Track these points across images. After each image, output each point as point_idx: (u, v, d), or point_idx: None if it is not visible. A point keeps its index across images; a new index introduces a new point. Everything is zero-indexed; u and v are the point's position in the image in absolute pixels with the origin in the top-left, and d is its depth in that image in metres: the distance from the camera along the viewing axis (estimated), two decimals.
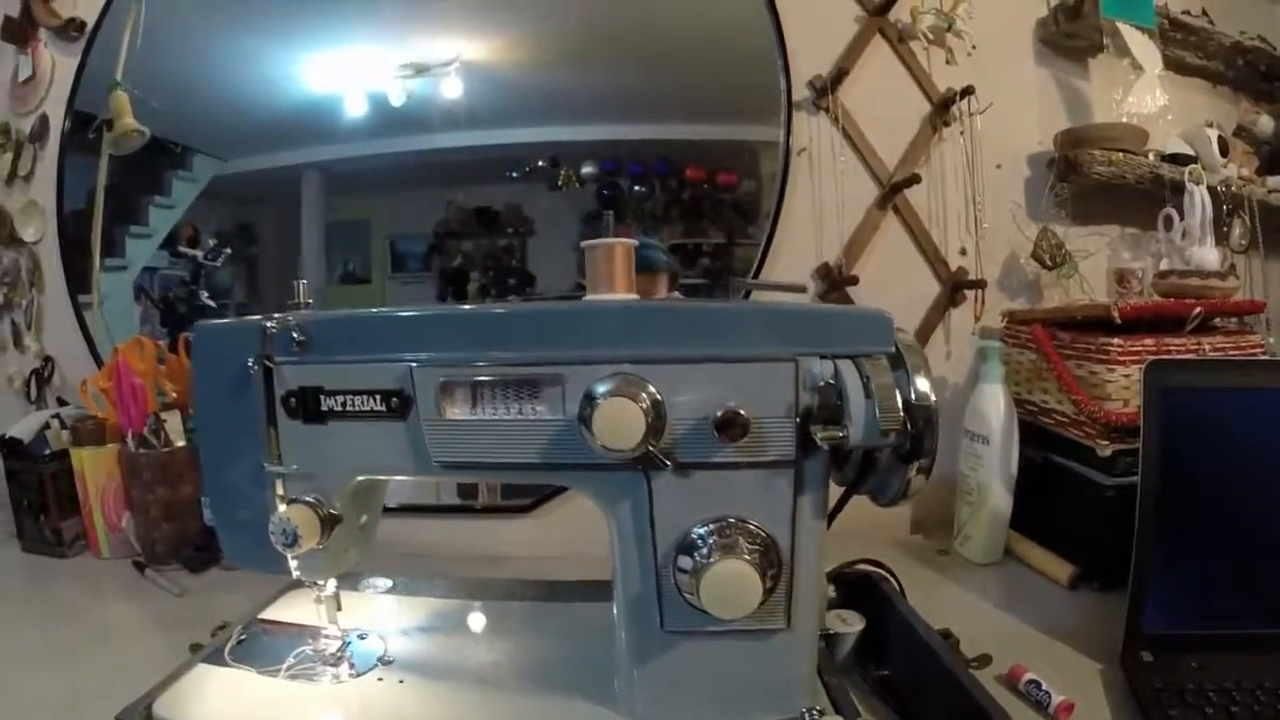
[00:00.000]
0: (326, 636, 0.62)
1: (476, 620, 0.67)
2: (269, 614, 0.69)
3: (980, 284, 0.92)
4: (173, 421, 0.96)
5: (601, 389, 0.44)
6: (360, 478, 0.51)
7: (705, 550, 0.45)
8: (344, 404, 0.49)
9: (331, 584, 0.59)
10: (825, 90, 0.91)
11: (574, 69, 1.12)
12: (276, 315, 0.51)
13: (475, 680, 0.57)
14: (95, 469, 0.98)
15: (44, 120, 1.12)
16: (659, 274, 1.02)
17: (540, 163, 1.13)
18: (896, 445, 0.45)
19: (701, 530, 0.46)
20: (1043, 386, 0.89)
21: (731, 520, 0.46)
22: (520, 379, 0.47)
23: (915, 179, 0.91)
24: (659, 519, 0.47)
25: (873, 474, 0.49)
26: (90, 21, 1.12)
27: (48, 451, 1.02)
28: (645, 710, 0.50)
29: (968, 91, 0.93)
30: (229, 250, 1.16)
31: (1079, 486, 0.83)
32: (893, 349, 0.47)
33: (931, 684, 0.56)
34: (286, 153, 1.18)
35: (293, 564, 0.55)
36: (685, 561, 0.46)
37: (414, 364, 0.48)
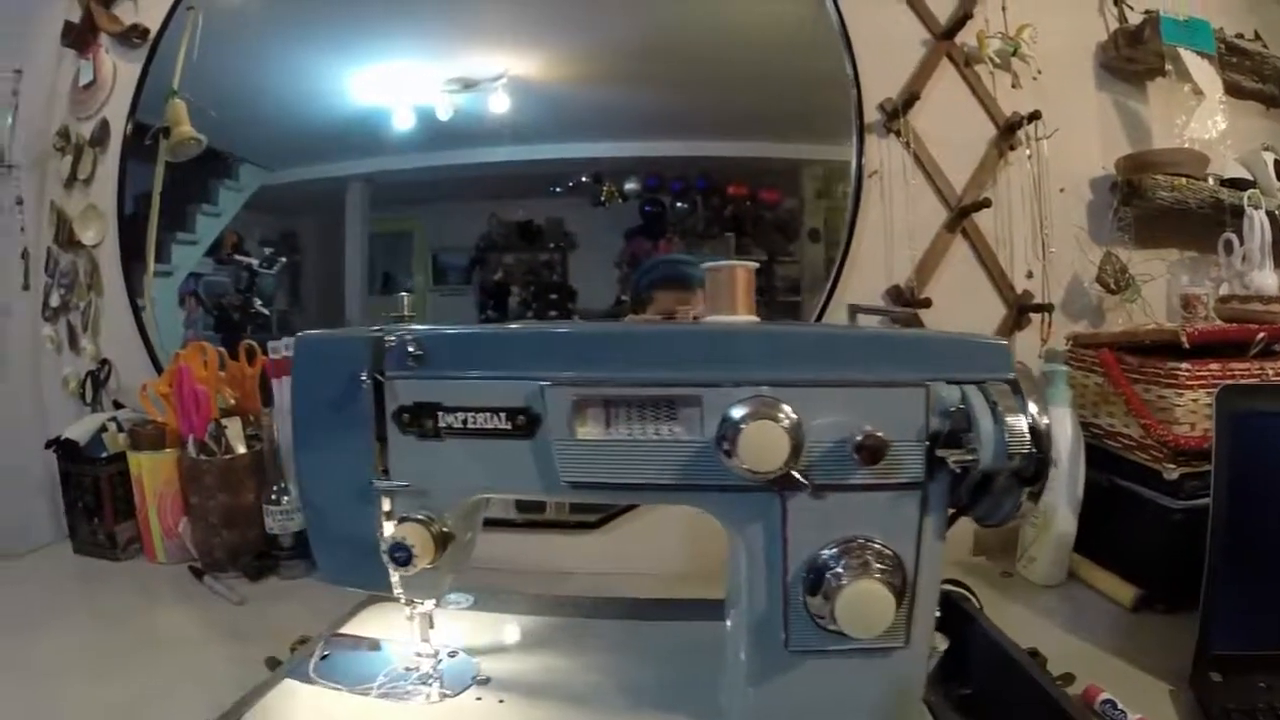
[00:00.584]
0: (418, 654, 0.59)
1: (568, 638, 0.65)
2: (350, 629, 0.67)
3: (1048, 308, 0.91)
4: (233, 428, 0.95)
5: (743, 411, 0.44)
6: (477, 496, 0.50)
7: (839, 570, 0.45)
8: (464, 421, 0.47)
9: (430, 602, 0.57)
10: (896, 113, 0.91)
11: (621, 86, 1.11)
12: (389, 328, 0.50)
13: (579, 700, 0.55)
14: (153, 474, 0.96)
15: (104, 125, 1.11)
16: (695, 289, 1.01)
17: (584, 178, 1.12)
18: (1021, 468, 0.45)
19: (833, 550, 0.46)
20: (1109, 410, 0.88)
21: (861, 540, 0.46)
22: (658, 399, 0.46)
23: (986, 203, 0.90)
24: (792, 539, 0.46)
25: (986, 496, 0.48)
26: (154, 29, 1.11)
27: (104, 454, 1.00)
28: None
29: (1034, 116, 0.92)
30: (284, 259, 1.15)
31: (1144, 509, 0.82)
32: (1012, 375, 0.47)
33: (1020, 702, 0.56)
34: (332, 164, 1.17)
35: (396, 582, 0.53)
36: (817, 581, 0.46)
37: (546, 382, 0.46)
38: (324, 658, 0.62)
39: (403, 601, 0.57)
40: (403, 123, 1.12)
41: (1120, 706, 0.59)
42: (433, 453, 0.49)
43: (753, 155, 1.12)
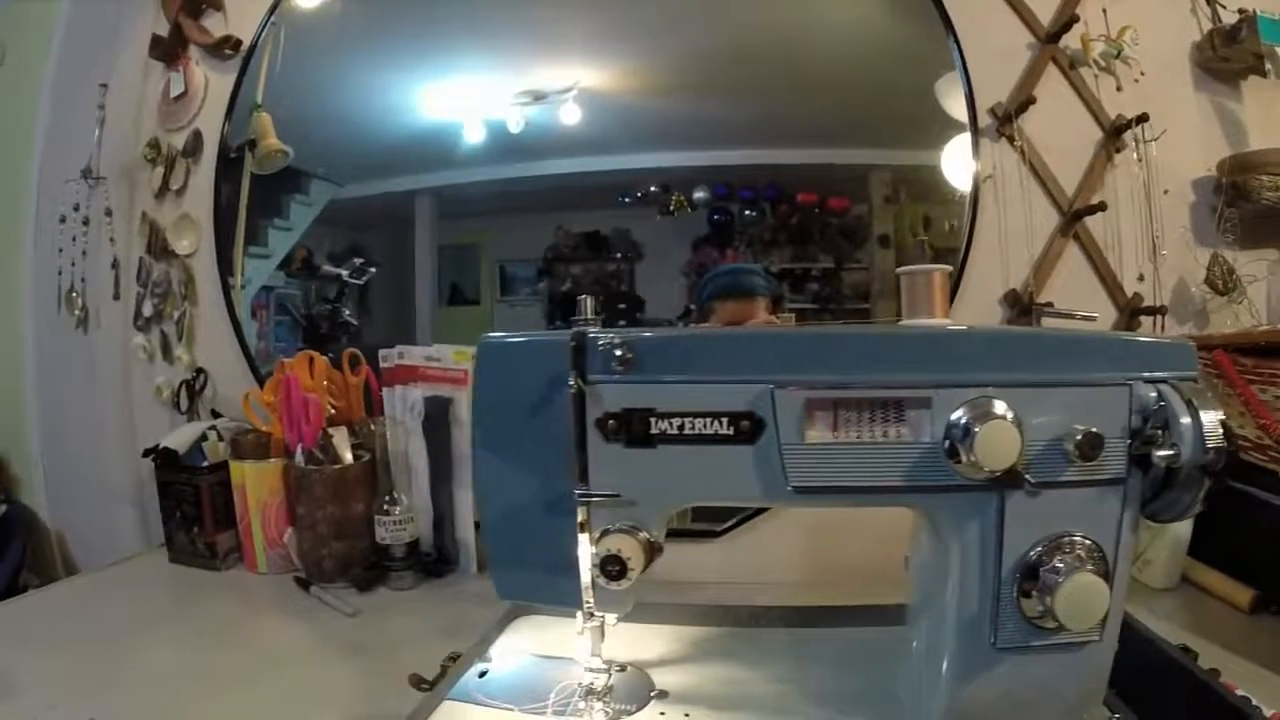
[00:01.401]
0: (589, 669, 0.56)
1: (736, 648, 0.61)
2: (502, 645, 0.64)
3: (1161, 310, 0.89)
4: (339, 437, 0.92)
5: (973, 412, 0.44)
6: (689, 505, 0.47)
7: (1057, 565, 0.45)
8: (680, 427, 0.44)
9: (612, 616, 0.54)
10: (1009, 117, 0.89)
11: (691, 95, 1.09)
12: (593, 331, 0.47)
13: (768, 711, 0.52)
14: (258, 483, 0.93)
15: (197, 136, 1.09)
16: (757, 299, 0.98)
17: (652, 188, 1.10)
18: (1212, 463, 0.45)
19: (1044, 547, 0.46)
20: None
21: (1070, 536, 0.46)
22: (887, 401, 0.45)
23: (1101, 206, 0.88)
24: (1007, 537, 0.46)
25: (1168, 491, 0.47)
26: (246, 41, 1.10)
27: (205, 463, 0.97)
28: None
29: (1142, 119, 0.90)
30: (373, 269, 1.13)
31: (1261, 511, 0.79)
32: (1195, 374, 0.47)
33: (1174, 696, 0.56)
34: (401, 178, 1.15)
35: (589, 597, 0.50)
36: (1032, 577, 0.46)
37: (774, 386, 0.44)
38: (483, 675, 0.59)
39: (581, 616, 0.54)
40: (473, 136, 1.10)
41: (1255, 703, 0.56)
42: (643, 461, 0.46)
43: (824, 162, 1.10)
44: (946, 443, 0.44)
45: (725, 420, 0.44)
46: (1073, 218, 0.90)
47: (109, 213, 1.12)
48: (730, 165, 1.10)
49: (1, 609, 0.93)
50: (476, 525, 0.90)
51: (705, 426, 0.45)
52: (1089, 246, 0.91)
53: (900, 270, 0.56)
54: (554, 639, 0.63)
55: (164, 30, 1.14)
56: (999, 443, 0.43)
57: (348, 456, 0.91)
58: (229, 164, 1.12)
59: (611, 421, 0.46)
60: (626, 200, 1.11)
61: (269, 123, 1.11)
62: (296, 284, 1.19)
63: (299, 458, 0.90)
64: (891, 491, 0.45)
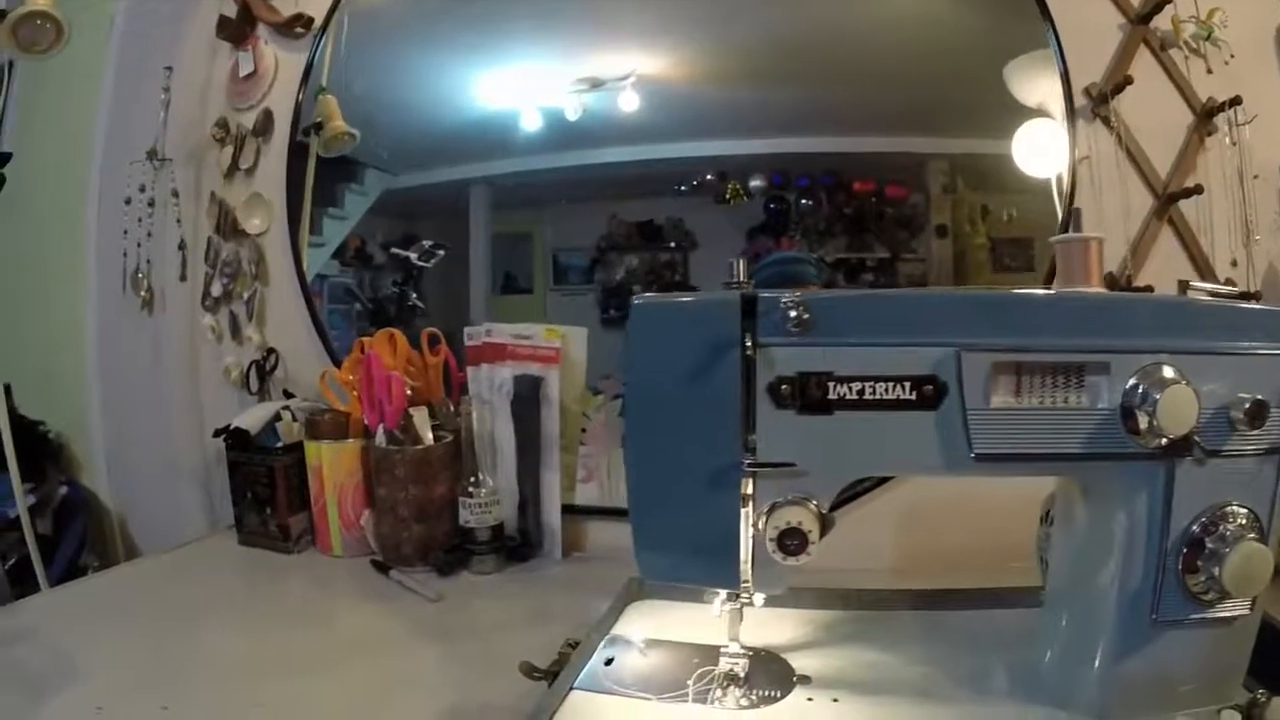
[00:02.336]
0: (728, 655, 0.52)
1: (871, 631, 0.58)
2: (621, 630, 0.60)
3: (1256, 295, 0.86)
4: (420, 417, 0.89)
5: (1148, 378, 0.42)
6: (864, 475, 0.44)
7: (1224, 533, 0.43)
8: (860, 392, 0.41)
9: (760, 598, 0.50)
10: (1104, 98, 0.86)
11: (750, 82, 1.06)
12: (764, 291, 0.44)
13: (914, 693, 0.49)
14: (335, 464, 0.90)
15: (268, 115, 1.06)
16: (809, 287, 0.95)
17: (708, 176, 1.06)
18: None
19: (1209, 516, 0.44)
20: None
21: (1232, 505, 0.44)
22: (1068, 365, 0.43)
23: (1198, 189, 0.85)
24: (1175, 506, 0.44)
25: None
26: (318, 20, 1.07)
27: (279, 444, 0.94)
28: (1113, 707, 0.46)
29: (1235, 102, 0.87)
30: (442, 252, 1.10)
31: None
32: None
33: None
34: (455, 167, 1.12)
35: (747, 577, 0.46)
36: (1198, 546, 0.44)
37: (960, 348, 0.41)
38: (609, 663, 0.55)
39: (720, 600, 0.51)
40: (530, 124, 1.07)
41: None
42: (818, 428, 0.42)
43: (881, 150, 1.06)
44: (1124, 409, 0.42)
45: (908, 384, 0.41)
46: (1167, 200, 0.86)
47: (175, 194, 1.09)
48: (787, 153, 1.06)
49: (65, 590, 0.91)
50: (564, 509, 0.87)
51: (886, 391, 0.42)
52: (1183, 230, 0.87)
53: (1055, 239, 0.53)
54: (676, 623, 0.59)
55: (231, 11, 1.11)
56: (1181, 407, 0.41)
57: (429, 437, 0.88)
58: (296, 147, 1.09)
59: (785, 386, 0.42)
60: (682, 189, 1.08)
61: (335, 105, 1.08)
62: (350, 274, 1.17)
63: (380, 438, 0.87)
64: (1069, 459, 0.43)
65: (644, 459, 0.47)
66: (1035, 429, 0.43)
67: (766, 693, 0.50)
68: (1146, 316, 0.45)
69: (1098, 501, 0.47)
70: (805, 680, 0.52)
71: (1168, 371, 0.42)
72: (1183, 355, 0.43)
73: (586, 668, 0.54)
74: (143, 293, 1.10)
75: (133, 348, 1.12)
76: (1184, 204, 0.89)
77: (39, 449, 1.18)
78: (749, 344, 0.43)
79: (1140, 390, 0.42)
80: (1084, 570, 0.48)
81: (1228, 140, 0.89)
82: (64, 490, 1.18)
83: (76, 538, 1.16)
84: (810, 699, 0.50)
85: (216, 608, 0.78)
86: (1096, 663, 0.46)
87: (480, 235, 1.15)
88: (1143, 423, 0.42)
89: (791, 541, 0.42)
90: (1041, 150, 0.91)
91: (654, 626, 0.59)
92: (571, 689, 0.51)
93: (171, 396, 1.10)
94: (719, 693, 0.50)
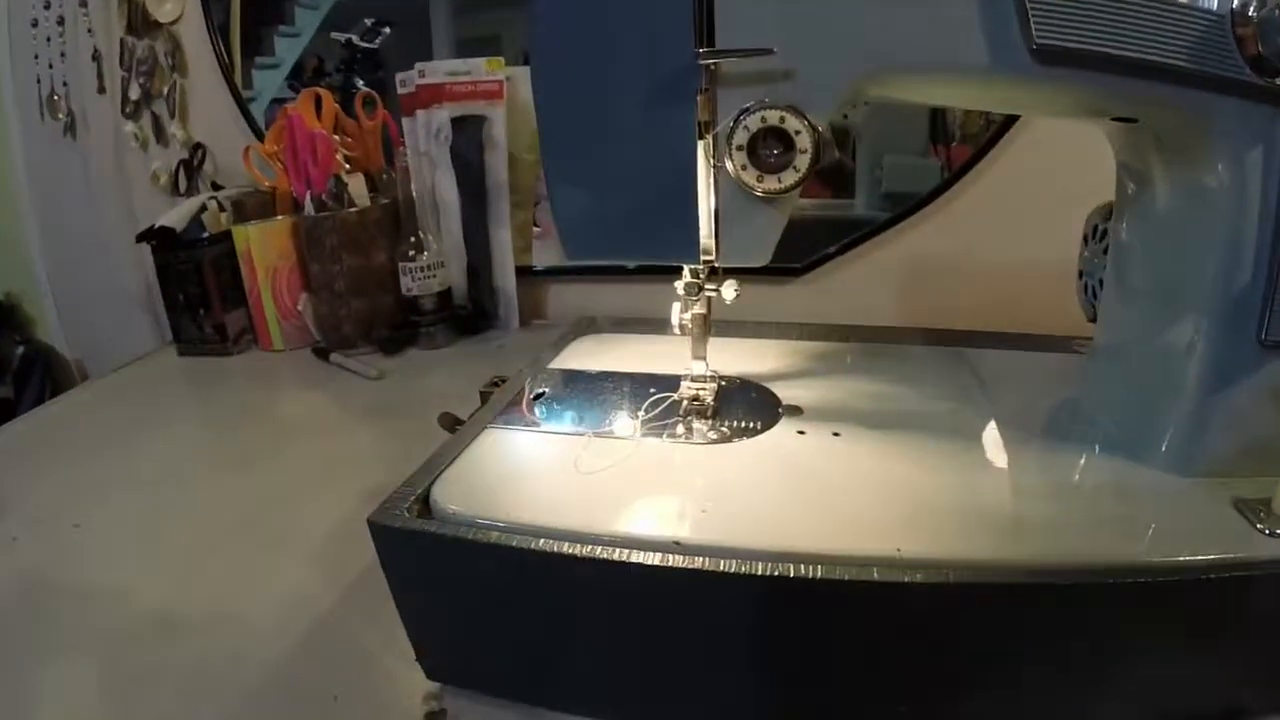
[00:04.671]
0: (691, 379, 0.38)
1: (876, 365, 0.44)
2: (566, 363, 0.45)
3: None
4: (355, 185, 0.75)
5: None
6: (876, 78, 0.29)
7: None
8: None
9: (730, 289, 0.35)
10: None
11: None
12: None
13: (942, 431, 0.35)
14: (264, 247, 0.76)
15: None
16: None
17: None
18: None
19: None
20: None
21: None
22: None
23: None
24: None
25: None
26: None
27: (205, 235, 0.81)
28: (1198, 458, 0.32)
29: None
30: (387, 29, 0.94)
31: None
32: None
33: None
34: None
35: (707, 240, 0.31)
36: None
37: None
38: (538, 397, 0.41)
39: (680, 302, 0.36)
40: None
41: None
42: (800, 6, 0.27)
43: None
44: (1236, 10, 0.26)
45: None
46: None
47: (84, 3, 0.94)
48: None
49: None
50: (521, 272, 0.74)
51: None
52: None
53: None
54: (629, 355, 0.45)
55: None
56: None
57: (365, 203, 0.74)
58: None
59: None
60: None
61: None
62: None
63: (308, 207, 0.73)
64: (1163, 72, 0.27)
65: (557, 80, 0.31)
66: (1116, 22, 0.27)
67: (743, 424, 0.36)
68: None
69: (1185, 167, 0.31)
70: (795, 411, 0.37)
71: None
72: None
73: (507, 409, 0.39)
74: (61, 115, 0.95)
75: (65, 179, 0.97)
76: None
77: None
78: None
79: None
80: (1158, 277, 0.33)
81: None
82: (20, 349, 1.06)
83: (35, 393, 1.05)
84: (802, 431, 0.36)
85: (151, 423, 0.66)
86: (1177, 400, 0.32)
87: (444, 45, 0.99)
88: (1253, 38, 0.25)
89: (769, 150, 0.27)
90: None
91: (601, 361, 0.45)
92: (485, 428, 0.37)
93: (107, 219, 0.96)
94: (679, 427, 0.36)
